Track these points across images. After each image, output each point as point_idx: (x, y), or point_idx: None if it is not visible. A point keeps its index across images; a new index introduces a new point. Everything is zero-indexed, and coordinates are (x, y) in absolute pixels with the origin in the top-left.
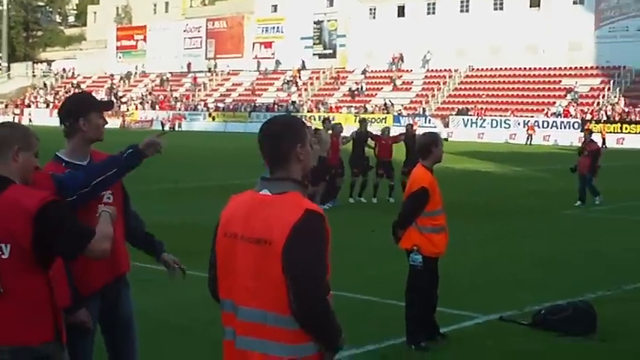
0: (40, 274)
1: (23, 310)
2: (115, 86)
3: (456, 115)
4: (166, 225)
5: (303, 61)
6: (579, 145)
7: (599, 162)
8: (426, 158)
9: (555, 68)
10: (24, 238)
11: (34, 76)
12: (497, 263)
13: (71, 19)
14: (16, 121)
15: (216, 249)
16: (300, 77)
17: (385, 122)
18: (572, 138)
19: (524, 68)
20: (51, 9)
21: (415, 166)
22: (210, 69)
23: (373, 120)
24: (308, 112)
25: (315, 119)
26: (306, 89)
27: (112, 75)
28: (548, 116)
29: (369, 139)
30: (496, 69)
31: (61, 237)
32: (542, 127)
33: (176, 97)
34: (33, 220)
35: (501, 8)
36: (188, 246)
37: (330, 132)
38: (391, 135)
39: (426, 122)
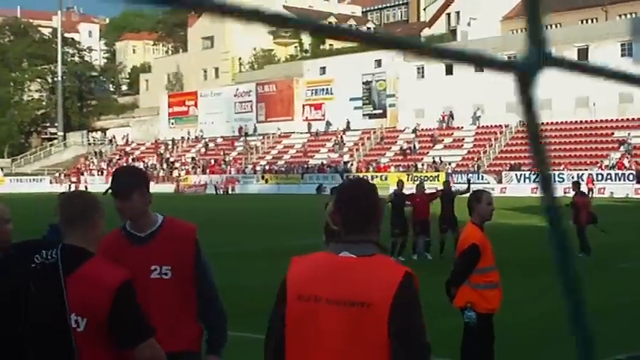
0: (113, 351)
1: None
2: (167, 151)
3: (508, 170)
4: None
5: (348, 122)
6: (635, 196)
7: (585, 214)
8: (473, 215)
9: (607, 120)
10: (101, 313)
11: (89, 144)
12: (553, 318)
13: (124, 87)
14: (73, 189)
15: (285, 314)
16: (341, 138)
17: (438, 180)
18: (627, 190)
19: (576, 122)
20: (104, 78)
21: (452, 222)
22: (256, 132)
23: (425, 178)
24: (357, 172)
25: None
26: (357, 149)
27: (164, 141)
28: (602, 169)
29: (406, 201)
30: (547, 123)
31: (126, 319)
32: (597, 179)
33: (227, 161)
34: (113, 295)
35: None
36: (252, 306)
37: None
38: (427, 192)
39: (479, 179)
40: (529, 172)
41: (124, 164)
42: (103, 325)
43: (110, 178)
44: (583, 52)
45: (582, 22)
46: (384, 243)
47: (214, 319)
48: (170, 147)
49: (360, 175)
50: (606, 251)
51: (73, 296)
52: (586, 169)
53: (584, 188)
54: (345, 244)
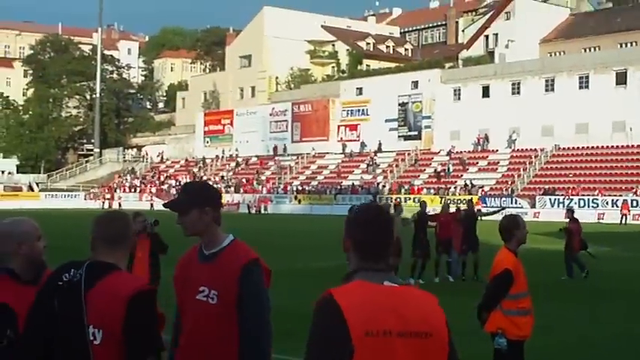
0: None
1: None
2: (200, 170)
3: (542, 194)
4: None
5: (380, 143)
6: None
7: (577, 240)
8: (509, 241)
9: None
10: (115, 323)
11: (124, 161)
12: (587, 346)
13: (161, 105)
14: (107, 205)
15: (354, 353)
16: (372, 159)
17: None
18: None
19: (612, 146)
20: (142, 96)
21: (473, 243)
22: (286, 151)
23: (459, 201)
24: (390, 193)
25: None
26: (391, 171)
27: (198, 159)
28: (637, 195)
29: (429, 220)
30: (583, 147)
31: (138, 329)
32: (632, 205)
33: (260, 180)
34: (126, 304)
35: (587, 87)
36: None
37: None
38: (451, 211)
39: (512, 202)
40: (563, 196)
41: (157, 182)
42: (118, 336)
43: (145, 198)
44: (621, 76)
45: (620, 46)
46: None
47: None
48: (203, 165)
49: (393, 197)
50: None
51: (92, 309)
52: (621, 195)
53: (612, 214)
54: (383, 273)
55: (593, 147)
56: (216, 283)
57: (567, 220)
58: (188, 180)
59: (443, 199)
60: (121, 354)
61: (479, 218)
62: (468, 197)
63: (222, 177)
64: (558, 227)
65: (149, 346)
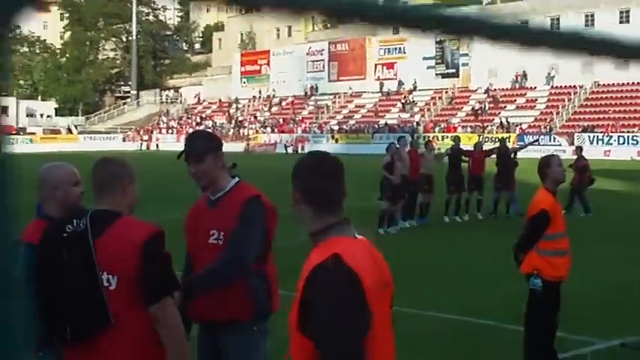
0: (145, 310)
1: (133, 343)
2: (237, 110)
3: (581, 132)
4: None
5: (415, 81)
6: None
7: (587, 176)
8: (544, 180)
9: None
10: (130, 269)
11: (161, 102)
12: (626, 287)
13: (197, 46)
14: (145, 147)
15: (371, 307)
16: (405, 98)
17: (509, 141)
18: None
19: None
20: (178, 37)
21: (508, 180)
22: (322, 91)
23: (495, 139)
24: (425, 132)
25: (438, 139)
26: (428, 109)
27: (234, 100)
28: None
29: (463, 155)
30: (623, 84)
31: (154, 271)
32: None
33: (295, 120)
34: (140, 250)
35: (627, 21)
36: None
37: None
38: (484, 149)
39: (550, 140)
40: (602, 134)
41: (193, 123)
42: (133, 281)
43: (183, 140)
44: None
45: None
46: None
47: (216, 262)
48: (240, 106)
49: (430, 135)
50: None
51: (103, 256)
52: None
53: None
54: (351, 225)
55: (633, 83)
56: (222, 224)
57: (575, 157)
58: (224, 121)
59: (480, 137)
60: (137, 296)
61: (512, 156)
62: (506, 135)
63: (256, 117)
64: (598, 166)
65: (166, 287)
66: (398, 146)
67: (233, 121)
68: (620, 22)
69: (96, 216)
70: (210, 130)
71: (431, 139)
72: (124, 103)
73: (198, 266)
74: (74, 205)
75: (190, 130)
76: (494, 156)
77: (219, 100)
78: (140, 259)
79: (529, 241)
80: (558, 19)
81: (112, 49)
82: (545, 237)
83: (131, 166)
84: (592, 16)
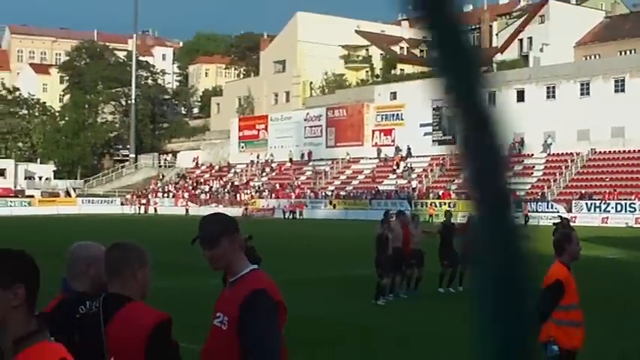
0: None
1: None
2: (235, 175)
3: (578, 199)
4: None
5: (409, 148)
6: None
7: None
8: (562, 255)
9: None
10: (138, 353)
11: (159, 166)
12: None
13: (195, 110)
14: (142, 210)
15: None
16: (397, 164)
17: None
18: None
19: None
20: (176, 101)
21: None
22: (319, 157)
23: None
24: (420, 198)
25: (435, 206)
26: (426, 176)
27: (232, 164)
28: None
29: (454, 232)
30: (619, 151)
31: (161, 357)
32: None
33: (293, 185)
34: (149, 334)
35: (622, 90)
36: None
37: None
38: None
39: (548, 207)
40: (600, 201)
41: (189, 187)
42: None
43: (180, 204)
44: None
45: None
46: None
47: None
48: (238, 170)
49: (427, 202)
50: None
51: (113, 340)
52: None
53: None
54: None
55: (630, 151)
56: (228, 309)
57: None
58: (219, 185)
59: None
60: None
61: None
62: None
63: (249, 182)
64: (596, 233)
65: None
66: (392, 218)
67: (228, 186)
68: (615, 92)
69: (108, 299)
70: (224, 213)
71: (417, 212)
72: (123, 167)
73: (205, 346)
74: (103, 282)
75: (187, 195)
76: None
77: (218, 165)
78: (147, 346)
79: (545, 309)
80: (554, 88)
81: (110, 113)
82: (560, 307)
83: (143, 250)
84: (587, 84)
